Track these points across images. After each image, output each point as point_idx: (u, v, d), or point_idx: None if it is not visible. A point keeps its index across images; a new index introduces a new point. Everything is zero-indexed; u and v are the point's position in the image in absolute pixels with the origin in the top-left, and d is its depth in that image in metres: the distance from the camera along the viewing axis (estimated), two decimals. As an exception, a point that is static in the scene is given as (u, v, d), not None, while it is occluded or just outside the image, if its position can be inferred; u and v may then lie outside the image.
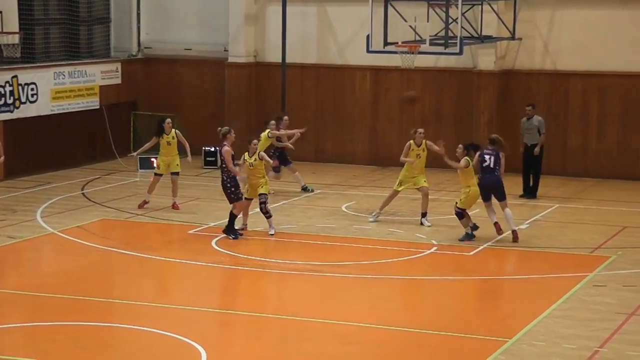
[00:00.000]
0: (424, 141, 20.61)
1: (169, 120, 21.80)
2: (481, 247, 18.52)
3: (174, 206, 21.31)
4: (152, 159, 26.12)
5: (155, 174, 21.74)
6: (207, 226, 19.87)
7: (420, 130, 20.79)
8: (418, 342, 13.59)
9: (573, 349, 13.11)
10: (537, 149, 22.93)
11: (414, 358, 12.89)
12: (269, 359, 12.85)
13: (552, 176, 24.80)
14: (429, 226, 20.00)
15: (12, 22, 24.72)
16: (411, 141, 20.62)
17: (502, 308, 15.37)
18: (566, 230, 19.86)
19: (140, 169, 26.12)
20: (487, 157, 19.04)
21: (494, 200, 19.10)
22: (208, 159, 26.95)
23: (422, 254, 18.16)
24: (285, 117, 23.51)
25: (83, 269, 17.07)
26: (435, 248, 18.53)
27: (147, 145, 22.01)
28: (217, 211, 21.05)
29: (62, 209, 21.60)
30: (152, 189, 21.59)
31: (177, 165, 21.65)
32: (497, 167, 19.00)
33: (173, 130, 21.79)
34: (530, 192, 23.00)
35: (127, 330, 14.03)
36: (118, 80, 28.22)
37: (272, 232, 19.19)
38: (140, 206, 21.38)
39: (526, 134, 23.17)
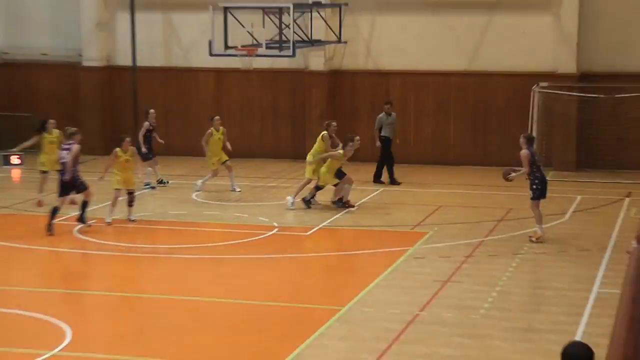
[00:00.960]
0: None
1: (52, 120, 21.04)
2: (316, 228, 18.85)
3: (40, 204, 20.62)
4: (12, 156, 25.57)
5: (42, 171, 20.79)
6: (68, 216, 19.60)
7: (334, 123, 20.93)
8: (263, 313, 13.73)
9: (397, 313, 13.50)
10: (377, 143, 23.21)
11: (260, 327, 13.03)
12: (128, 333, 12.84)
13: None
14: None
15: None
16: (324, 132, 20.63)
17: (336, 280, 15.67)
18: (390, 211, 20.39)
19: (3, 164, 25.49)
20: None
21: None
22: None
23: (265, 235, 18.37)
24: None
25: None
26: (276, 230, 18.77)
27: (28, 143, 21.12)
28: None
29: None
30: (42, 187, 20.67)
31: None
32: None
33: (56, 130, 20.80)
34: (378, 178, 23.30)
35: (-4, 314, 13.80)
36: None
37: (133, 218, 19.12)
38: (40, 204, 20.06)
39: (387, 128, 23.35)
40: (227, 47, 22.73)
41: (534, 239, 17.43)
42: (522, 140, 17.56)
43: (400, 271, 15.78)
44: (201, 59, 26.66)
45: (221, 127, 22.31)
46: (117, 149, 19.04)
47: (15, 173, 25.28)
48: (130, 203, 19.14)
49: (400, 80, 26.51)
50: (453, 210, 20.59)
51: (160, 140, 23.03)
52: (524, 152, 17.37)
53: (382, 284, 15.03)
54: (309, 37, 25.02)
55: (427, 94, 26.32)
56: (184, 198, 21.79)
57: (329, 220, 19.40)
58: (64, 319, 13.21)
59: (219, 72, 27.36)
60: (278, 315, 13.70)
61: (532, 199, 17.53)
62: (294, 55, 22.78)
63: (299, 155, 24.56)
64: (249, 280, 15.46)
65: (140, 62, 27.41)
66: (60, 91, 28.39)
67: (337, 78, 26.85)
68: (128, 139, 19.29)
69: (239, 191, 22.19)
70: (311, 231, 18.64)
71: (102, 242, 17.74)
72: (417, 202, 21.42)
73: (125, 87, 27.73)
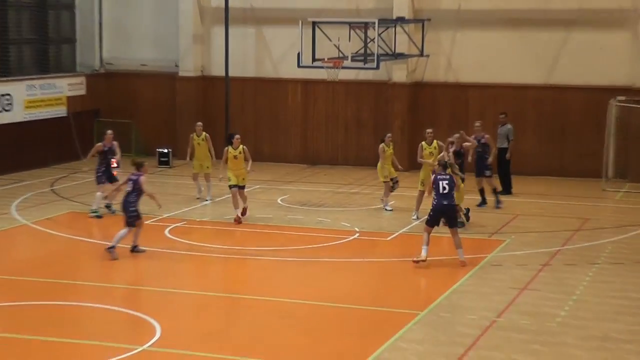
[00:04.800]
0: (435, 141, 19.71)
1: (237, 136, 19.59)
2: (396, 234, 18.51)
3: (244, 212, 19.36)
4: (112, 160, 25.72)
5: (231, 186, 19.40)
6: (161, 217, 19.59)
7: (429, 130, 19.91)
8: (344, 315, 13.53)
9: (474, 319, 13.16)
10: (508, 155, 22.40)
11: (341, 329, 12.81)
12: (215, 331, 12.70)
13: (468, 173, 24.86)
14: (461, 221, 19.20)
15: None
16: (423, 142, 19.85)
17: (415, 285, 15.35)
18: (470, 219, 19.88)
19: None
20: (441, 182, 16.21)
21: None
22: (162, 159, 26.63)
23: (347, 239, 18.10)
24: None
25: (53, 255, 16.70)
26: (357, 234, 18.49)
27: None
28: (171, 204, 20.81)
29: (34, 203, 21.16)
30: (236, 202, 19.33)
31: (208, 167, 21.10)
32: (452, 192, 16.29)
33: (241, 146, 19.39)
34: (506, 190, 22.58)
35: (92, 308, 13.76)
36: (83, 92, 27.71)
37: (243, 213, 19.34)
38: (237, 221, 19.00)
39: (498, 139, 22.72)
40: (314, 59, 22.56)
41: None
42: None
43: (477, 277, 15.40)
44: (290, 71, 26.54)
45: (203, 133, 21.32)
46: (229, 147, 19.12)
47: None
48: (243, 200, 19.19)
49: (479, 93, 26.01)
50: (530, 219, 20.05)
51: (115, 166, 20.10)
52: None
53: (459, 289, 14.70)
54: (393, 50, 24.71)
55: (505, 107, 25.67)
56: (270, 202, 21.62)
57: (408, 227, 19.04)
58: (155, 315, 13.12)
59: (306, 83, 27.20)
60: (359, 317, 13.46)
61: None
62: (377, 67, 22.51)
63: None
64: (332, 282, 15.24)
65: (233, 73, 27.40)
66: (158, 99, 28.56)
67: (418, 90, 26.47)
68: (237, 137, 19.28)
69: (209, 200, 20.94)
70: (391, 237, 18.31)
71: (191, 242, 17.64)
72: (495, 210, 20.88)
73: (217, 96, 27.75)
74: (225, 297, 14.52)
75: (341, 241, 17.96)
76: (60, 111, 26.81)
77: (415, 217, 19.49)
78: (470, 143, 19.87)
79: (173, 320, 13.23)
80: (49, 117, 26.30)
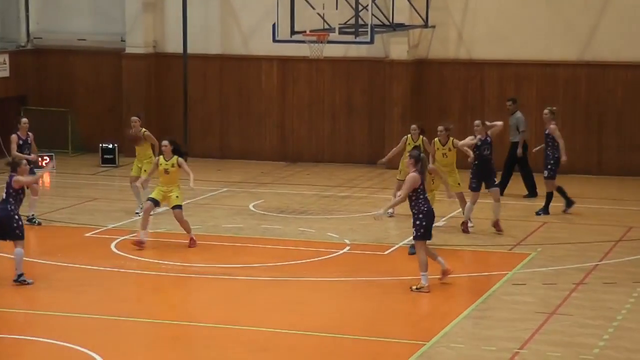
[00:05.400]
0: (451, 139, 19.78)
1: (165, 142, 18.72)
2: (396, 247, 18.62)
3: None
4: (41, 157, 25.77)
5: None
6: (105, 228, 19.66)
7: (440, 127, 19.95)
8: (332, 348, 13.57)
9: (492, 351, 13.22)
10: (518, 150, 22.57)
11: (327, 364, 12.91)
12: (173, 369, 12.78)
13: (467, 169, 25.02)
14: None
15: None
16: (435, 139, 19.93)
17: (418, 309, 15.44)
18: (484, 227, 20.03)
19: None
20: None
21: None
22: (106, 156, 26.69)
23: (335, 254, 18.19)
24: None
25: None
26: (348, 248, 18.59)
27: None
28: (116, 212, 20.85)
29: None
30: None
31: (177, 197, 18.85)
32: None
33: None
34: (530, 192, 22.81)
35: (18, 341, 13.80)
36: (6, 73, 27.74)
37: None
38: (137, 244, 18.46)
39: (509, 131, 22.85)
40: (293, 32, 22.63)
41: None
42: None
43: (496, 299, 15.48)
44: (263, 46, 26.61)
45: (142, 129, 20.88)
46: (160, 157, 18.68)
47: (45, 178, 25.48)
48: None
49: (497, 72, 26.16)
50: (560, 227, 20.19)
51: (34, 157, 20.19)
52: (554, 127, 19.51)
53: (474, 314, 14.77)
54: (390, 20, 24.80)
55: (530, 89, 25.91)
56: (239, 209, 21.71)
57: (410, 238, 19.07)
58: (97, 348, 13.15)
59: (283, 62, 27.30)
60: (350, 350, 13.50)
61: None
62: (372, 41, 22.58)
63: (376, 160, 24.32)
64: (317, 307, 15.31)
65: (193, 50, 27.45)
66: (100, 82, 28.59)
67: (422, 69, 26.60)
68: (166, 143, 18.53)
69: (137, 213, 20.48)
70: (389, 250, 18.43)
71: (144, 259, 17.71)
72: (517, 216, 21.05)
73: (174, 78, 27.81)
74: (184, 325, 14.57)
75: (328, 256, 18.03)
76: (-22, 97, 26.83)
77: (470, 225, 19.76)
78: (499, 125, 19.91)
79: (119, 354, 13.25)
80: (-36, 104, 26.33)
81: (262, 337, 13.91)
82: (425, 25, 25.96)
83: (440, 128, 20.01)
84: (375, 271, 17.25)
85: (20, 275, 16.12)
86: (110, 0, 28.41)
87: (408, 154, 16.54)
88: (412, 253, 17.24)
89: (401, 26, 25.30)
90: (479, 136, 19.58)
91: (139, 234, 18.37)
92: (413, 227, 16.02)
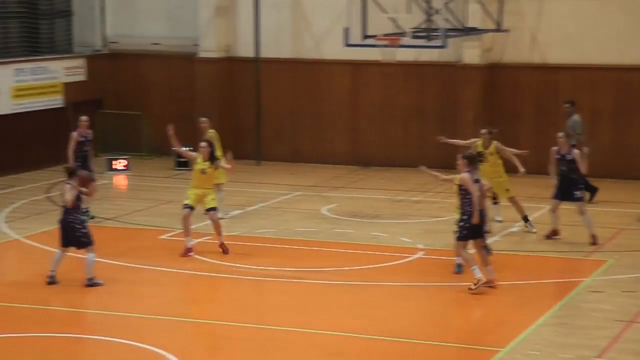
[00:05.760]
0: (494, 143, 19.63)
1: (203, 144, 18.61)
2: (470, 252, 18.44)
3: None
4: (117, 160, 26.06)
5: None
6: (179, 231, 19.74)
7: (483, 130, 19.90)
8: (405, 353, 13.52)
9: (570, 359, 13.08)
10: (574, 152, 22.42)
11: (402, 369, 12.86)
12: (247, 371, 12.80)
13: (544, 176, 24.74)
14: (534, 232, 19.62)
15: (-32, 16, 24.53)
16: (478, 142, 19.82)
17: (493, 316, 15.29)
18: (560, 232, 19.79)
19: (107, 170, 26.00)
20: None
21: None
22: (179, 159, 26.80)
23: (408, 259, 18.10)
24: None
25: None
26: (421, 253, 18.49)
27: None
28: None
29: (27, 213, 21.45)
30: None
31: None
32: None
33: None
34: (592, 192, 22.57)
35: (97, 341, 13.92)
36: (83, 77, 28.04)
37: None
38: (186, 254, 18.18)
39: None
40: (365, 36, 22.57)
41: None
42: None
43: (573, 307, 15.35)
44: (335, 50, 26.58)
45: (211, 130, 20.82)
46: (197, 155, 18.62)
47: (120, 180, 25.71)
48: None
49: (571, 76, 25.87)
50: (638, 234, 19.94)
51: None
52: (577, 152, 18.94)
53: (550, 321, 14.63)
54: (463, 24, 24.65)
55: (605, 94, 25.57)
56: (312, 213, 21.70)
57: (490, 239, 18.99)
58: (172, 350, 13.21)
59: (355, 66, 27.25)
60: (424, 355, 13.44)
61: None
62: (444, 46, 22.45)
63: (448, 165, 24.12)
64: (389, 312, 15.25)
65: (264, 54, 27.53)
66: (173, 86, 28.78)
67: (495, 74, 26.40)
68: (203, 144, 18.40)
69: (224, 214, 20.58)
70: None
71: (217, 262, 17.77)
72: (593, 222, 20.73)
73: (245, 82, 27.90)
74: (257, 328, 14.58)
75: (401, 261, 17.98)
76: (56, 101, 27.14)
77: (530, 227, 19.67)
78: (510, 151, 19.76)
79: (193, 356, 13.32)
80: (41, 108, 26.63)
81: (335, 341, 13.87)
82: (499, 29, 25.76)
83: (483, 131, 19.96)
84: (449, 276, 17.10)
85: (90, 279, 16.24)
86: (183, 5, 28.60)
87: (460, 155, 16.48)
88: (458, 272, 16.96)
89: (474, 30, 25.13)
90: (556, 148, 19.33)
91: (185, 242, 18.21)
92: (457, 226, 16.13)
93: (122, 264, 17.62)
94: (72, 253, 16.53)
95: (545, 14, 26.01)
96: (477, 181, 16.14)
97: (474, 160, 16.30)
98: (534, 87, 26.17)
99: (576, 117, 22.72)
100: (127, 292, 16.26)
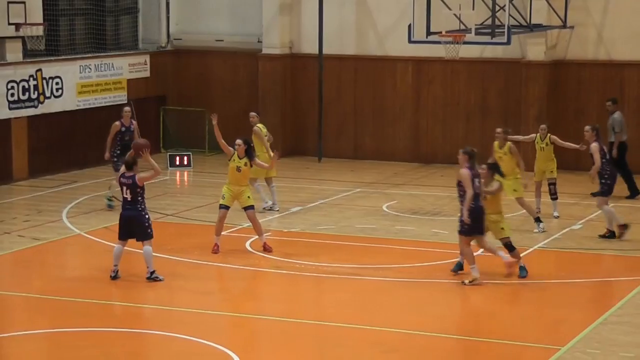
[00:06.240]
0: (508, 143, 19.49)
1: (239, 141, 18.46)
2: (530, 249, 18.36)
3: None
4: (180, 156, 26.24)
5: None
6: (240, 227, 19.84)
7: (498, 129, 19.81)
8: (465, 350, 13.51)
9: (630, 357, 12.99)
10: (614, 152, 22.00)
11: (460, 367, 12.82)
12: (305, 367, 12.83)
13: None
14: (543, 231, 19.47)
15: (36, 13, 24.81)
16: (495, 142, 19.73)
17: (553, 314, 15.16)
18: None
19: (170, 166, 26.19)
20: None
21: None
22: (241, 156, 26.92)
23: (468, 256, 18.01)
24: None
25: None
26: (481, 250, 18.36)
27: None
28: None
29: (89, 209, 21.69)
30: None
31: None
32: None
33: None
34: (632, 193, 22.60)
35: (157, 336, 14.05)
36: (147, 74, 28.29)
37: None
38: (215, 251, 18.23)
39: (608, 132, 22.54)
40: (429, 32, 22.52)
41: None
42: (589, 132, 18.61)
43: (634, 305, 15.18)
44: (399, 47, 26.58)
45: (259, 125, 21.24)
46: (234, 152, 18.55)
47: (182, 176, 25.89)
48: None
49: (637, 73, 25.60)
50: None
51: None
52: (595, 146, 18.45)
53: (611, 320, 14.51)
54: (528, 21, 24.50)
55: (672, 91, 25.30)
56: (372, 209, 21.68)
57: (545, 242, 18.86)
58: (231, 346, 13.27)
59: (418, 62, 27.20)
60: (484, 353, 13.40)
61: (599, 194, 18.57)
62: (508, 42, 22.36)
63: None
64: (448, 309, 15.23)
65: (328, 50, 27.56)
66: (237, 82, 28.93)
67: (560, 70, 26.19)
68: (239, 142, 18.26)
69: (274, 207, 21.07)
70: (524, 253, 18.12)
71: (276, 258, 17.83)
72: (615, 217, 20.49)
73: (309, 78, 27.96)
74: (316, 325, 14.61)
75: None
76: (120, 97, 27.39)
77: (538, 229, 19.47)
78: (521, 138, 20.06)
79: (252, 352, 13.39)
80: (106, 104, 26.91)
81: (393, 337, 13.87)
82: (564, 26, 25.56)
83: (498, 130, 19.84)
84: (509, 274, 16.97)
85: (152, 273, 16.37)
86: (247, 2, 28.73)
87: (461, 150, 16.46)
88: (523, 276, 16.76)
89: (539, 27, 24.97)
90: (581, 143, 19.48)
91: (215, 242, 18.15)
92: (458, 221, 16.24)
93: (183, 259, 17.75)
94: (128, 247, 16.65)
95: (611, 10, 25.77)
96: (476, 176, 16.11)
97: (475, 156, 16.24)
98: (599, 84, 25.92)
99: (617, 115, 22.66)
100: (187, 288, 16.38)
